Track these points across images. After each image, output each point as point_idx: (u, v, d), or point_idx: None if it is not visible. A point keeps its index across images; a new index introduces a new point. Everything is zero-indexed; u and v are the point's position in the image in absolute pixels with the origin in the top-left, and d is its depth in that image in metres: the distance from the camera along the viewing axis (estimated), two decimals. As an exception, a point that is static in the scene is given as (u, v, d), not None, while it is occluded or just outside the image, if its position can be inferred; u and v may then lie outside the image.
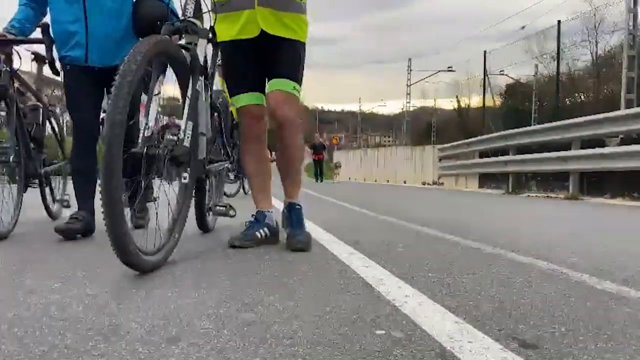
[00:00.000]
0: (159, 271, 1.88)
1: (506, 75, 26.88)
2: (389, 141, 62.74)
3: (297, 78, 2.56)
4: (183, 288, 1.63)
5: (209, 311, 1.37)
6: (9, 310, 1.36)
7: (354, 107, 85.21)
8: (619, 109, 10.62)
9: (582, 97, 27.10)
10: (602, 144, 8.52)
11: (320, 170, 21.14)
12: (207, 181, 2.88)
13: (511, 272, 1.99)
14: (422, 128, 45.17)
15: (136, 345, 1.10)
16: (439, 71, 37.64)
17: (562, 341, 1.17)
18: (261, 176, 2.72)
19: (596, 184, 8.49)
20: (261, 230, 2.54)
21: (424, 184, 18.61)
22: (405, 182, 20.79)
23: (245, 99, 2.61)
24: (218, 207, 2.75)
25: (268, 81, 2.58)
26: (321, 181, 19.88)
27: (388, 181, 22.68)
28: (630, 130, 7.93)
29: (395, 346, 1.12)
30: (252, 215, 2.64)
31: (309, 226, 2.72)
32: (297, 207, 2.63)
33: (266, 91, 2.58)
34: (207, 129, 2.43)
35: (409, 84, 40.43)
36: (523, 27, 25.83)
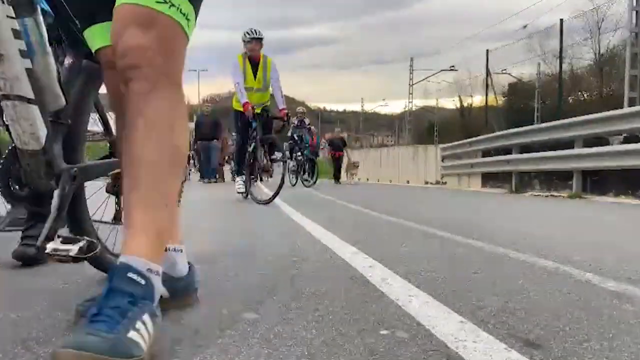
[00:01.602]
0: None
1: (508, 74, 26.81)
2: (391, 141, 62.70)
3: None
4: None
5: (211, 312, 1.37)
6: (12, 311, 1.36)
7: (356, 107, 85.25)
8: (622, 107, 10.59)
9: (585, 95, 27.03)
10: (605, 142, 8.49)
11: (338, 171, 17.13)
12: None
13: (514, 271, 1.98)
14: (424, 128, 45.13)
15: (140, 346, 1.10)
16: (441, 70, 37.64)
17: (566, 340, 1.17)
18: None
19: (599, 182, 8.46)
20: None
21: (426, 183, 18.58)
22: (408, 182, 20.76)
23: (100, 36, 1.34)
24: (54, 245, 1.27)
25: None
26: (338, 182, 16.58)
27: (391, 181, 22.64)
28: (633, 129, 7.90)
29: (399, 346, 1.12)
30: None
31: (312, 227, 2.70)
32: (142, 279, 1.06)
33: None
34: (35, 89, 1.24)
35: (411, 84, 40.41)
36: (525, 26, 25.80)
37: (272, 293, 1.58)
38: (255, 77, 6.14)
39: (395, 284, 1.72)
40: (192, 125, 14.48)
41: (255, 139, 5.94)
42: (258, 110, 6.06)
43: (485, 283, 1.76)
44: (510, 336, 1.19)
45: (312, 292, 1.60)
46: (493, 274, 1.92)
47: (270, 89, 6.30)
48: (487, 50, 17.96)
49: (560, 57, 14.57)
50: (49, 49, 1.35)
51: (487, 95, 19.27)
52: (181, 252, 1.44)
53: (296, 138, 13.25)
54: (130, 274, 1.04)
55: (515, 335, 1.20)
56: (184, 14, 1.17)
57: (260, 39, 6.17)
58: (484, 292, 1.63)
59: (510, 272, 1.96)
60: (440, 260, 2.21)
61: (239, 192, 6.14)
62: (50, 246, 1.28)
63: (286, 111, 6.24)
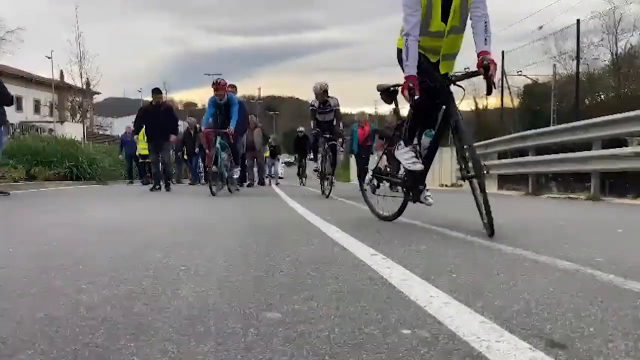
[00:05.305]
0: (185, 271, 1.90)
1: (524, 75, 26.60)
2: (406, 143, 62.13)
3: None
4: (209, 288, 1.65)
5: (234, 311, 1.38)
6: (39, 310, 1.39)
7: (369, 110, 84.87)
8: (641, 108, 10.44)
9: (602, 96, 26.74)
10: (624, 144, 8.39)
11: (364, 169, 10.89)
12: None
13: (535, 272, 1.97)
14: (438, 130, 44.77)
15: (166, 344, 1.12)
16: (456, 72, 37.31)
17: (591, 341, 1.16)
18: None
19: (618, 184, 8.35)
20: None
21: (441, 186, 18.48)
22: (422, 184, 20.59)
23: None
24: None
25: None
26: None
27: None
28: (652, 130, 7.79)
29: (422, 346, 1.12)
30: None
31: (329, 228, 2.70)
32: None
33: None
34: None
35: (425, 86, 40.12)
36: (541, 27, 25.65)
37: (293, 293, 1.59)
38: (447, 14, 3.37)
39: (415, 284, 1.71)
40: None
41: (447, 121, 3.63)
42: (446, 70, 3.71)
43: (506, 284, 1.75)
44: (534, 336, 1.18)
45: (332, 292, 1.61)
46: (513, 275, 1.90)
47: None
48: (503, 52, 17.85)
49: (578, 58, 14.44)
50: None
51: (502, 96, 19.13)
52: None
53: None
54: None
55: (539, 335, 1.19)
56: None
57: None
58: (506, 292, 1.62)
59: (531, 273, 1.95)
60: (459, 261, 2.20)
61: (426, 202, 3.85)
62: None
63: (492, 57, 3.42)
